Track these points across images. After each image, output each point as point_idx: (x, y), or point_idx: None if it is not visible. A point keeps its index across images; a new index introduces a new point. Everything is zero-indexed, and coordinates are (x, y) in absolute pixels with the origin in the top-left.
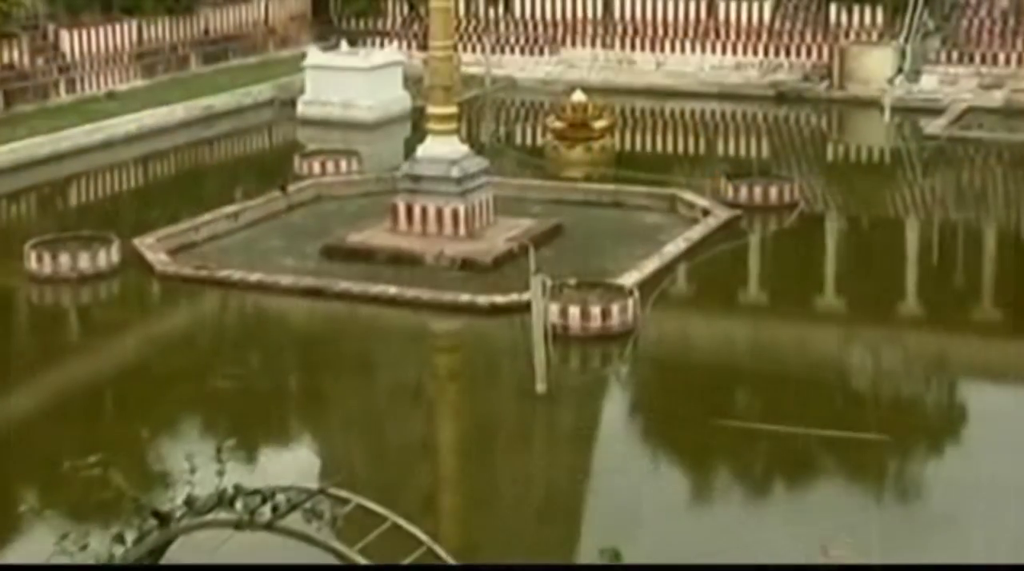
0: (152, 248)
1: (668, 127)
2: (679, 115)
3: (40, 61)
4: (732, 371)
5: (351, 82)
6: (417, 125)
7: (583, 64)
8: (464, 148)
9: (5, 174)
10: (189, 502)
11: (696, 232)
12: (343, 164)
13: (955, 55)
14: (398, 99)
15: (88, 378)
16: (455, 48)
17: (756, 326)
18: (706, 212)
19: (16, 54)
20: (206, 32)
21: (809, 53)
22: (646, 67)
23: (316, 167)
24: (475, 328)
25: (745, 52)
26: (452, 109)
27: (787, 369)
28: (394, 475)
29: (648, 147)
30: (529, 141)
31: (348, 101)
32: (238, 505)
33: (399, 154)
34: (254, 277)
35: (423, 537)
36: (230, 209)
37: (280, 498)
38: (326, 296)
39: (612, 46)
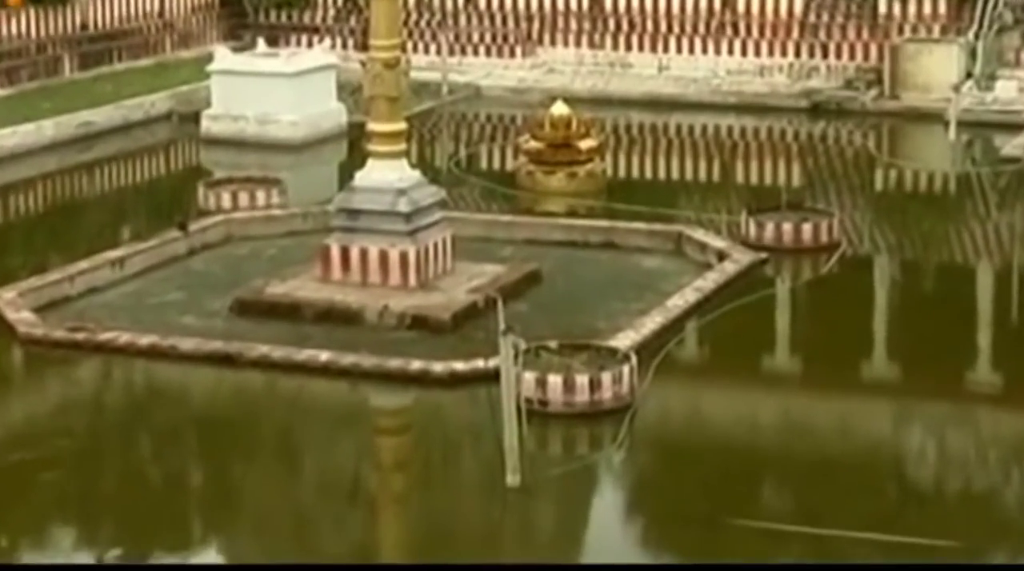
0: (13, 304)
1: (673, 147)
2: (687, 132)
3: None
4: (755, 458)
5: (270, 91)
6: (355, 145)
7: (566, 68)
8: (415, 175)
9: None
10: None
11: (709, 281)
12: (260, 195)
13: None
14: (330, 113)
15: None
16: (403, 48)
17: (785, 401)
18: (722, 255)
19: None
20: (84, 27)
21: (852, 53)
22: (645, 71)
23: (225, 199)
24: (429, 404)
25: (771, 52)
26: (399, 125)
27: (825, 455)
28: None
29: (648, 172)
30: (497, 165)
31: (266, 115)
32: None
33: (332, 182)
34: (145, 341)
35: None
36: (114, 254)
37: None
38: (238, 364)
39: (602, 45)
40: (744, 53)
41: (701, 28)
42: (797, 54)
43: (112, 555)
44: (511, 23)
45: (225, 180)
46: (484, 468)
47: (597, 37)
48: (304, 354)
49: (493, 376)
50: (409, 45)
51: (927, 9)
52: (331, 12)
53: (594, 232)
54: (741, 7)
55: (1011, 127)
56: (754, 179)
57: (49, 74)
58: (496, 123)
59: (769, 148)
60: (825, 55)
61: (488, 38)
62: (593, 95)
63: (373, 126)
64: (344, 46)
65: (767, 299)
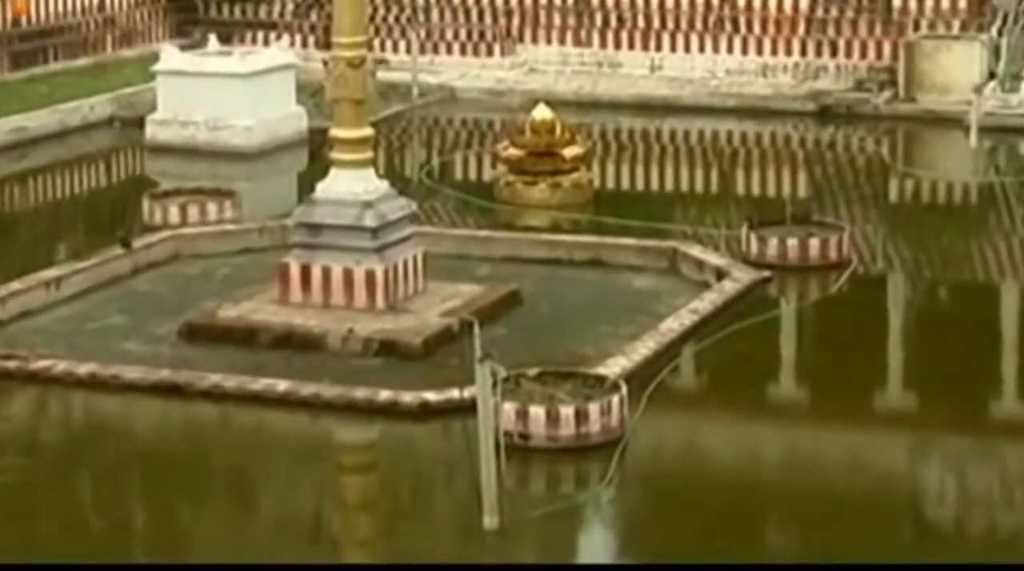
0: None
1: (667, 155)
2: (682, 138)
3: None
4: (757, 496)
5: (223, 94)
6: (316, 154)
7: (548, 68)
8: (382, 186)
9: None
10: None
11: (707, 302)
12: (211, 209)
13: None
14: (289, 117)
15: None
16: (369, 46)
17: (791, 434)
18: (721, 274)
19: None
20: (15, 23)
21: (864, 51)
22: (636, 71)
23: (173, 213)
24: (398, 438)
25: (775, 50)
26: (365, 131)
27: (833, 493)
28: None
29: (639, 183)
30: (473, 175)
31: (218, 120)
32: None
33: (291, 194)
34: (84, 369)
35: None
36: (50, 274)
37: None
38: (188, 395)
39: (589, 43)
40: (745, 51)
41: (698, 24)
42: (803, 52)
43: None
44: (488, 18)
45: (173, 192)
46: (459, 509)
47: (583, 34)
48: (260, 384)
49: (469, 407)
50: (376, 43)
51: (946, 3)
52: (290, 6)
53: (580, 249)
54: (742, 1)
55: None
56: (756, 190)
57: None
58: (472, 129)
59: (772, 156)
60: (834, 53)
61: (463, 35)
62: (579, 98)
63: (336, 132)
64: (304, 44)
65: (770, 322)
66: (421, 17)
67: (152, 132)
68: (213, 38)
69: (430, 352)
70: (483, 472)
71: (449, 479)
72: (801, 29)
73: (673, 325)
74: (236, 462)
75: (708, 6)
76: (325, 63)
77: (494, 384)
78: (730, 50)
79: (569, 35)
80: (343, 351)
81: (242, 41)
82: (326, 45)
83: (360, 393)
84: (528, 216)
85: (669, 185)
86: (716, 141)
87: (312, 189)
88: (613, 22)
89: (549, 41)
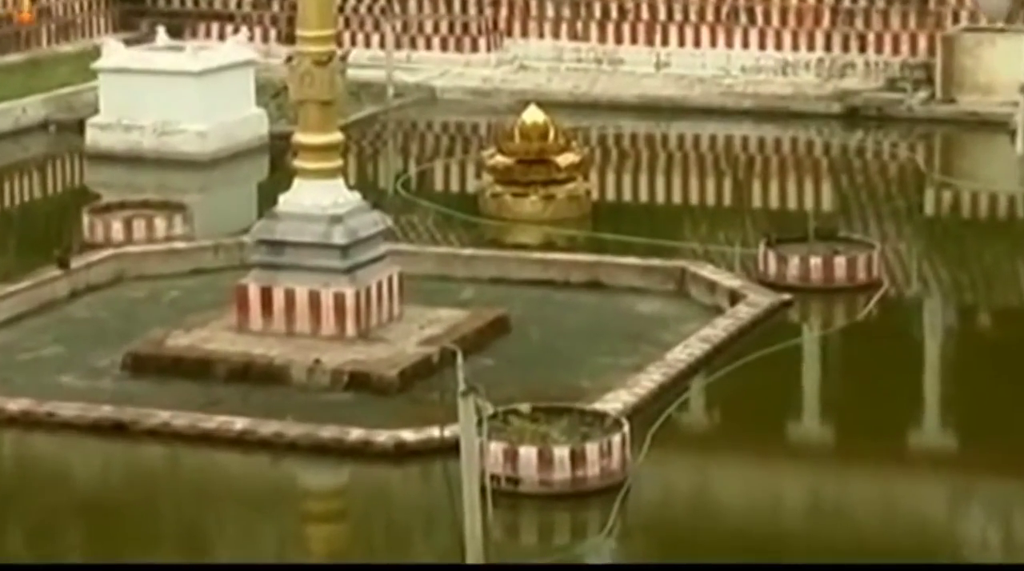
0: None
1: (674, 163)
2: (691, 144)
3: None
4: (775, 549)
5: (173, 94)
6: (278, 161)
7: (540, 65)
8: (353, 198)
9: None
10: None
11: (720, 329)
12: (159, 224)
13: None
14: (248, 121)
15: None
16: (338, 41)
17: (814, 479)
18: (735, 297)
19: None
20: None
21: (897, 46)
22: (640, 69)
23: (116, 229)
24: (372, 483)
25: (796, 45)
26: (334, 136)
27: (862, 546)
28: None
29: (643, 194)
30: (456, 186)
31: (168, 124)
32: None
33: (250, 208)
34: (16, 406)
35: None
36: None
37: None
38: (132, 434)
39: (586, 36)
40: (763, 46)
41: (709, 15)
42: (828, 47)
43: None
44: (472, 9)
45: (116, 205)
46: (440, 562)
47: (580, 26)
48: (214, 422)
49: (451, 448)
50: (346, 36)
51: None
52: None
53: (576, 269)
54: None
55: None
56: (775, 202)
57: None
58: (454, 133)
59: (793, 163)
60: (863, 48)
61: (444, 28)
62: (575, 98)
63: (301, 137)
64: (265, 38)
65: (791, 351)
66: (396, 7)
67: (93, 137)
68: (162, 31)
69: (407, 386)
70: (467, 521)
71: (429, 529)
72: (826, 21)
73: (681, 355)
74: (187, 511)
75: None
76: (289, 59)
77: (479, 422)
78: (746, 45)
79: (564, 28)
80: (309, 385)
81: (194, 35)
82: (289, 39)
83: (328, 432)
84: (518, 232)
85: (677, 197)
86: (730, 147)
87: (274, 202)
88: (614, 13)
89: (541, 35)
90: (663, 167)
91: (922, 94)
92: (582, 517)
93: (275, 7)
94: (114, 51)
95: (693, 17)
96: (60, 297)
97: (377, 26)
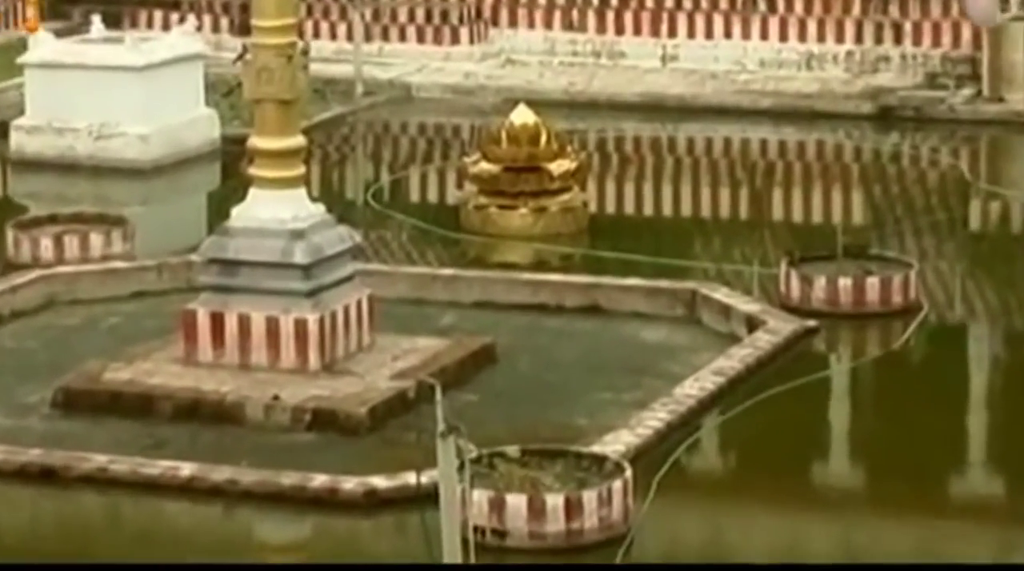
0: None
1: (683, 170)
2: (703, 148)
3: None
4: None
5: (111, 92)
6: (231, 169)
7: (531, 58)
8: (317, 210)
9: None
10: None
11: (735, 360)
12: (96, 240)
13: None
14: (196, 123)
15: None
16: (300, 32)
17: (842, 530)
18: (753, 323)
19: None
20: None
21: (937, 37)
22: (644, 63)
23: (45, 246)
24: (338, 536)
25: (822, 36)
26: (295, 140)
27: None
28: None
29: (647, 206)
30: (434, 197)
31: (105, 126)
32: None
33: (199, 222)
34: None
35: None
36: None
37: None
38: (65, 481)
39: (583, 26)
40: (784, 37)
41: (723, 2)
42: (859, 39)
43: None
44: None
45: (45, 219)
46: None
47: (575, 15)
48: (159, 467)
49: (429, 496)
50: (309, 26)
51: None
52: None
53: (572, 291)
54: None
55: None
56: (798, 215)
57: None
58: (433, 137)
59: (819, 171)
60: (898, 40)
61: (421, 16)
62: (570, 97)
63: (258, 141)
64: (216, 28)
65: (817, 386)
66: None
67: (18, 142)
68: (97, 20)
69: (378, 425)
70: None
71: None
72: (856, 8)
73: (691, 390)
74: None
75: None
76: (243, 53)
77: (461, 466)
78: (764, 35)
79: (557, 16)
80: (266, 424)
81: (135, 24)
82: (244, 29)
83: (288, 479)
84: (505, 249)
85: (686, 209)
86: (746, 152)
87: (226, 215)
88: (614, 0)
89: (532, 24)
90: (670, 175)
91: (966, 92)
92: None
93: None
94: (42, 43)
95: (704, 4)
96: None
97: (344, 14)
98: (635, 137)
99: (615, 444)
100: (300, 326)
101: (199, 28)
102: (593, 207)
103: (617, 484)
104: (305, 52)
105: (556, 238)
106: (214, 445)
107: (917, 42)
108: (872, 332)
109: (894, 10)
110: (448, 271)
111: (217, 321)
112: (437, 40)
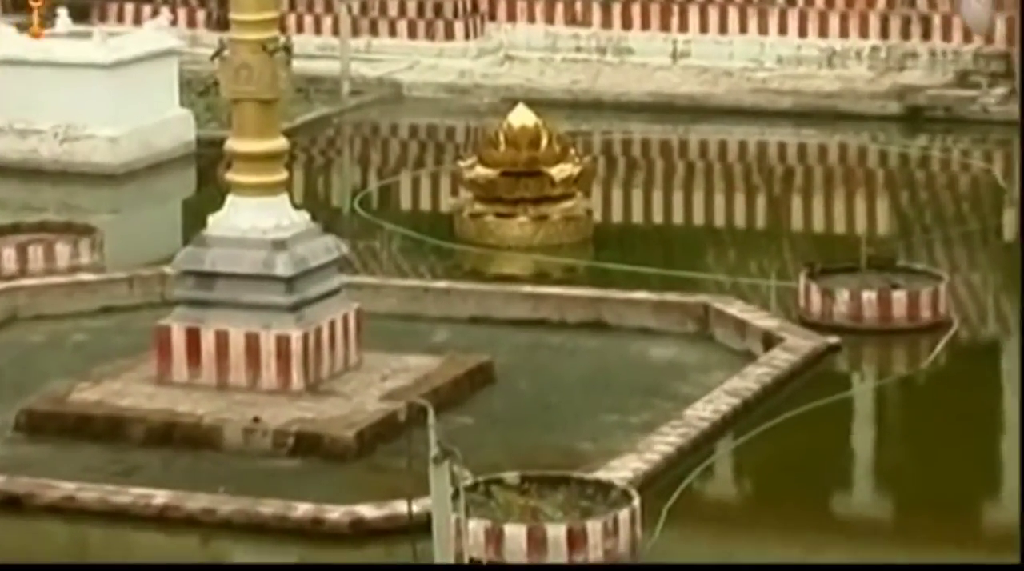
0: None
1: (695, 175)
2: (716, 152)
3: None
4: None
5: (78, 91)
6: (208, 174)
7: (531, 55)
8: (301, 219)
9: None
10: None
11: (751, 380)
12: (61, 251)
13: None
14: (169, 124)
15: None
16: (281, 27)
17: (865, 563)
18: (770, 340)
19: None
20: None
21: (968, 33)
22: (653, 60)
23: (8, 257)
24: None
25: (845, 31)
26: (277, 143)
27: None
28: None
29: (656, 214)
30: (427, 204)
31: (72, 128)
32: None
33: (173, 231)
34: None
35: None
36: None
37: None
38: (29, 510)
39: (587, 20)
40: (804, 32)
41: None
42: (884, 34)
43: None
44: None
45: (8, 228)
46: None
47: (579, 8)
48: (130, 495)
49: (421, 526)
50: (291, 20)
51: None
52: None
53: (575, 305)
54: None
55: None
56: (818, 224)
57: None
58: (425, 139)
59: (842, 176)
60: (927, 35)
61: (412, 10)
62: (573, 96)
63: (236, 144)
64: (191, 22)
65: (838, 407)
66: None
67: None
68: (63, 14)
69: (366, 450)
70: None
71: None
72: (881, 1)
73: (704, 412)
74: None
75: None
76: (220, 49)
77: (455, 494)
78: (783, 30)
79: (560, 10)
80: (246, 449)
81: (104, 18)
82: (221, 24)
83: (269, 508)
84: (503, 260)
85: (698, 217)
86: (763, 156)
87: (203, 224)
88: None
89: (532, 18)
90: (681, 181)
91: (1000, 91)
92: None
93: None
94: (4, 38)
95: None
96: None
97: (329, 7)
98: (643, 139)
99: (621, 470)
100: (282, 343)
101: (173, 22)
102: (598, 215)
103: (624, 513)
104: (287, 48)
105: (558, 248)
106: (189, 471)
107: (947, 37)
108: (898, 350)
109: (922, 3)
110: (442, 284)
111: (193, 338)
112: (430, 35)
